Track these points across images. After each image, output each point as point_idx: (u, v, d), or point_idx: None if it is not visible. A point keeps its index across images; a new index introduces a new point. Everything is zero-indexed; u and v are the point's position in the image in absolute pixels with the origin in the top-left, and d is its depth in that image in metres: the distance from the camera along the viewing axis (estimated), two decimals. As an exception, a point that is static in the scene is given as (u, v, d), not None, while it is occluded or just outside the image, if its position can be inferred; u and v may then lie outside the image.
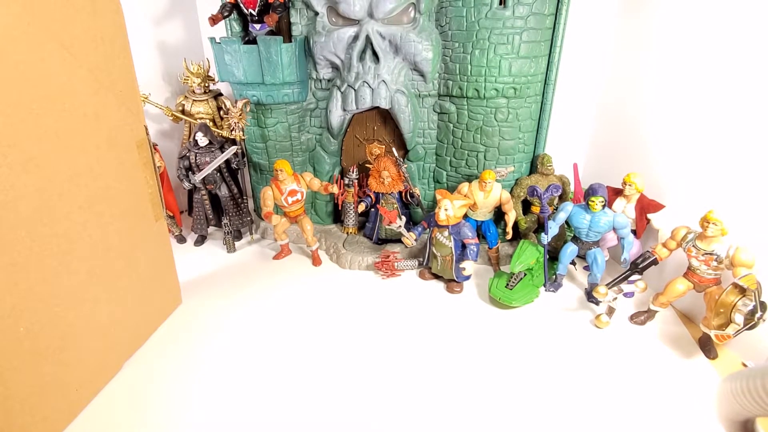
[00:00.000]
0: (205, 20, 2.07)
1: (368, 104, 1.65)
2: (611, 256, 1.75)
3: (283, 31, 1.70)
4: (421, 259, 1.73)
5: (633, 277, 1.44)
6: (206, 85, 2.02)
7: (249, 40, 1.70)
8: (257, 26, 1.68)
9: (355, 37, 1.61)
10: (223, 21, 1.68)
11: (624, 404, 1.15)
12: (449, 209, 1.50)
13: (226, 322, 1.47)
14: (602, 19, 1.67)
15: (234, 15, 1.70)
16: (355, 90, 1.64)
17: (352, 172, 1.87)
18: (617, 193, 1.55)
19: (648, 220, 1.52)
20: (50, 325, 1.03)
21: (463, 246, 1.55)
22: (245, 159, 1.89)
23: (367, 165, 1.86)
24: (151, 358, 1.31)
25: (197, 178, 1.79)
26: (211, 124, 2.00)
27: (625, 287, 1.44)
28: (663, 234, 1.47)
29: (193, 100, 2.01)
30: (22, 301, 0.95)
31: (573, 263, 1.68)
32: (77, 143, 1.05)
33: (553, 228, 1.52)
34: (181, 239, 2.00)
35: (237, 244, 1.97)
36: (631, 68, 1.61)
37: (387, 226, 1.78)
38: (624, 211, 1.53)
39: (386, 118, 1.79)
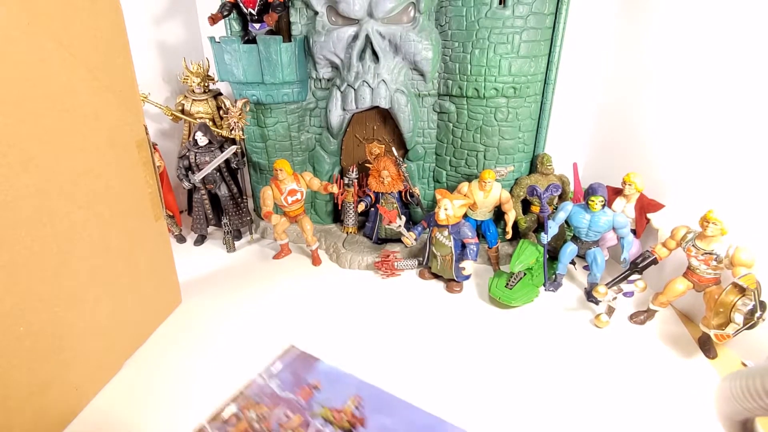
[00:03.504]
0: (204, 20, 2.06)
1: (368, 104, 1.65)
2: (611, 255, 1.75)
3: (283, 30, 1.70)
4: (421, 259, 1.74)
5: (633, 277, 1.44)
6: (206, 84, 2.02)
7: (248, 39, 1.70)
8: (257, 26, 1.68)
9: (355, 37, 1.61)
10: (222, 20, 1.67)
11: (624, 404, 1.15)
12: (449, 209, 1.50)
13: (226, 321, 1.47)
14: (602, 18, 1.67)
15: (233, 14, 1.70)
16: (354, 89, 1.64)
17: (352, 172, 1.87)
18: (617, 192, 1.55)
19: (648, 220, 1.52)
20: (50, 325, 1.03)
21: (463, 245, 1.55)
22: (245, 159, 1.89)
23: (366, 165, 1.86)
24: (151, 358, 1.31)
25: (197, 177, 1.79)
26: (210, 123, 2.00)
27: (625, 287, 1.45)
28: (663, 233, 1.47)
29: (193, 100, 2.01)
30: (22, 300, 0.95)
31: (573, 263, 1.68)
32: (77, 143, 1.05)
33: (552, 227, 1.52)
34: (181, 239, 2.00)
35: (237, 243, 1.97)
36: (631, 68, 1.61)
37: (387, 226, 1.79)
38: (624, 210, 1.53)
39: (386, 117, 1.79)
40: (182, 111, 2.02)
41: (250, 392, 0.58)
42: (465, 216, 1.66)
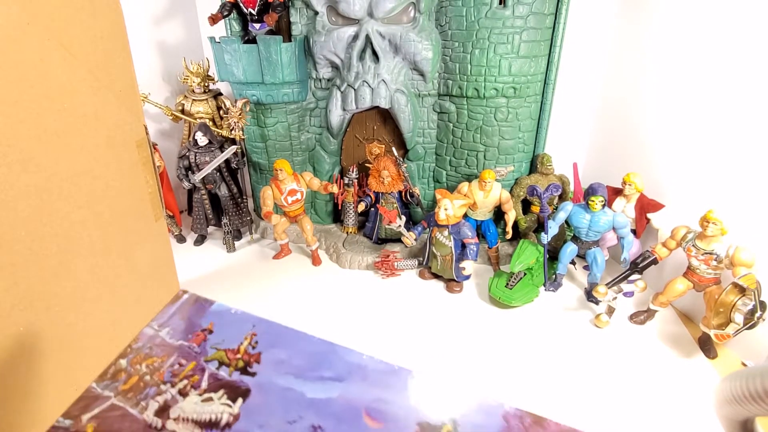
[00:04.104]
0: (204, 20, 2.06)
1: (368, 104, 1.65)
2: (611, 255, 1.75)
3: (283, 30, 1.70)
4: (421, 259, 1.73)
5: (633, 277, 1.44)
6: (206, 84, 2.02)
7: (249, 39, 1.70)
8: (257, 26, 1.68)
9: (355, 37, 1.61)
10: (222, 20, 1.67)
11: (624, 404, 1.15)
12: (449, 209, 1.50)
13: (225, 321, 1.47)
14: (602, 18, 1.67)
15: (234, 14, 1.70)
16: (354, 89, 1.64)
17: (352, 172, 1.87)
18: (617, 192, 1.55)
19: (648, 220, 1.52)
20: (50, 325, 1.03)
21: (463, 245, 1.55)
22: (245, 159, 1.89)
23: (366, 164, 1.86)
24: (151, 358, 1.31)
25: (197, 177, 1.79)
26: (210, 123, 2.00)
27: (625, 287, 1.45)
28: (663, 233, 1.47)
29: (193, 100, 2.01)
30: (22, 300, 0.95)
31: (573, 263, 1.68)
32: (77, 143, 1.05)
33: (552, 227, 1.52)
34: (181, 239, 2.00)
35: (237, 243, 1.97)
36: (631, 68, 1.61)
37: (387, 226, 1.78)
38: (624, 210, 1.53)
39: (386, 117, 1.79)
40: (182, 111, 2.02)
41: (139, 345, 0.59)
42: (465, 216, 1.66)
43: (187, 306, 0.63)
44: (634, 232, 1.54)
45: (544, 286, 1.62)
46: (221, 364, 0.54)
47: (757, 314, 1.10)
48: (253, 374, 0.52)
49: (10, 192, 0.90)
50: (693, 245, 1.28)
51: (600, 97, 1.78)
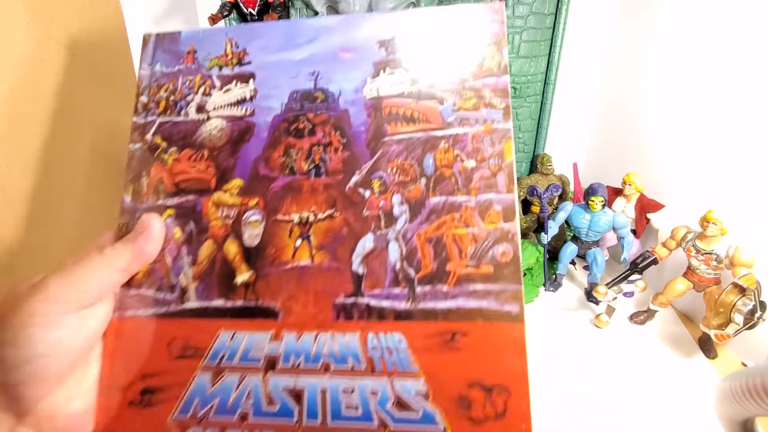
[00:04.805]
0: (204, 20, 2.06)
1: (368, 104, 1.65)
2: (611, 255, 1.75)
3: (283, 30, 1.70)
4: (421, 259, 1.73)
5: (633, 277, 1.44)
6: (206, 84, 2.02)
7: (249, 39, 1.70)
8: (257, 26, 1.68)
9: (355, 37, 1.61)
10: (222, 20, 1.67)
11: (624, 404, 1.15)
12: (449, 209, 1.50)
13: (225, 321, 1.46)
14: (602, 18, 1.67)
15: (234, 14, 1.70)
16: (354, 89, 1.64)
17: (352, 172, 1.87)
18: (617, 192, 1.55)
19: (648, 220, 1.52)
20: (50, 325, 1.03)
21: (463, 245, 1.55)
22: (245, 159, 1.89)
23: (366, 164, 1.86)
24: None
25: (197, 177, 1.79)
26: (210, 123, 2.00)
27: (625, 287, 1.45)
28: (663, 233, 1.47)
29: (193, 100, 2.01)
30: (22, 300, 0.95)
31: (573, 263, 1.68)
32: (77, 143, 1.05)
33: (552, 228, 1.52)
34: (181, 239, 2.00)
35: (237, 243, 1.97)
36: (631, 68, 1.61)
37: (387, 226, 1.78)
38: (624, 210, 1.53)
39: (386, 117, 1.79)
40: (182, 111, 2.02)
41: (146, 82, 0.67)
42: (465, 216, 1.65)
43: (161, 43, 0.70)
44: (634, 232, 1.54)
45: (544, 286, 1.62)
46: (219, 67, 0.64)
47: (757, 314, 1.10)
48: (248, 63, 0.62)
49: (10, 192, 0.90)
50: (693, 245, 1.28)
51: (600, 97, 1.78)
